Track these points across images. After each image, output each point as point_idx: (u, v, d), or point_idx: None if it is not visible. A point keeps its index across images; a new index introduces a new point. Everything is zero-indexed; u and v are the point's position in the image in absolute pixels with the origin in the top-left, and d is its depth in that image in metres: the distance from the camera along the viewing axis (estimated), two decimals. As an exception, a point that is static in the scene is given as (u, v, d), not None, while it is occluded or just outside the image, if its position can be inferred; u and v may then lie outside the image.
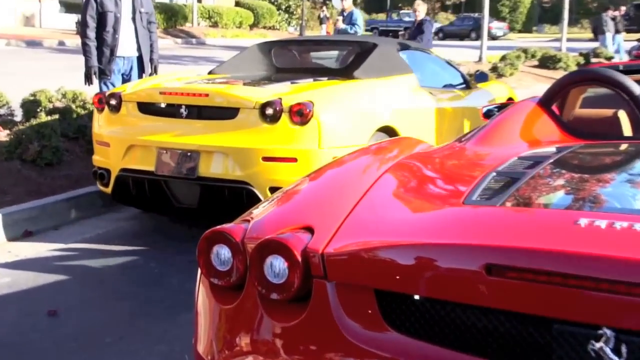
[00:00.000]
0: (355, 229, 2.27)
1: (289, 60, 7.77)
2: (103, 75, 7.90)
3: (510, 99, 8.51)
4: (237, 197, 5.56)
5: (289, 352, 2.19)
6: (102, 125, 6.25)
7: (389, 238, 2.17)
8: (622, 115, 3.90)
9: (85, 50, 7.81)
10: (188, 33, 31.96)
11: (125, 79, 8.01)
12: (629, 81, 3.67)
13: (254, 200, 5.26)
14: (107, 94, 6.27)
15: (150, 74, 8.14)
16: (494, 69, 18.11)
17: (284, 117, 5.49)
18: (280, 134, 5.50)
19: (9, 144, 7.23)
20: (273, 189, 5.35)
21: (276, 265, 2.19)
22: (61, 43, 25.66)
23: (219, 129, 5.62)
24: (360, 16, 13.44)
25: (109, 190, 6.17)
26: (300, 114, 5.49)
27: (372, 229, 2.27)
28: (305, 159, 5.48)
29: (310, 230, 2.28)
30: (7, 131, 7.68)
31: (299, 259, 2.15)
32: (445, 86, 7.71)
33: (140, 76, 8.03)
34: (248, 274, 2.28)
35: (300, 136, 5.51)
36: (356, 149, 3.41)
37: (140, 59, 8.08)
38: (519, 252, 1.91)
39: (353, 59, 7.05)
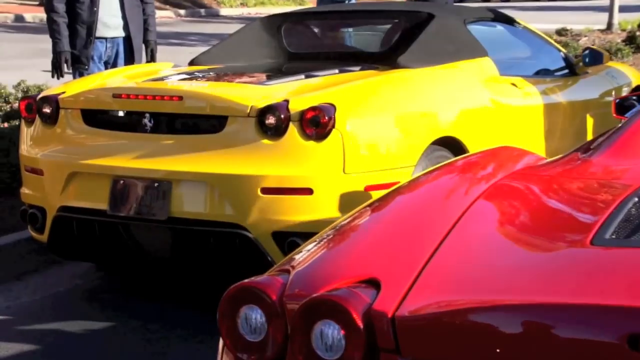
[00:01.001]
0: (439, 283, 2.28)
1: (306, 41, 7.49)
2: (78, 63, 7.84)
3: (638, 87, 8.01)
4: (226, 247, 5.33)
5: None
6: (32, 143, 6.02)
7: (488, 296, 2.18)
8: None
9: (52, 29, 7.76)
10: (195, 1, 31.89)
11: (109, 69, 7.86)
12: None
13: (252, 252, 5.08)
14: (38, 98, 6.01)
15: (148, 62, 8.04)
16: (631, 39, 17.46)
17: (293, 128, 5.21)
18: (287, 154, 5.23)
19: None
20: (280, 235, 5.14)
21: (328, 333, 2.21)
22: (19, 18, 25.72)
23: (198, 147, 5.38)
24: None
25: (44, 237, 5.91)
26: (316, 123, 5.20)
27: (462, 283, 2.29)
28: (325, 190, 5.20)
29: (375, 284, 2.31)
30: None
31: (360, 325, 2.17)
32: (538, 73, 7.28)
33: (129, 64, 7.89)
34: (289, 346, 2.30)
35: (317, 156, 5.24)
36: (438, 167, 3.38)
37: (128, 40, 8.00)
38: None
39: (398, 39, 6.75)
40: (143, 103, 5.52)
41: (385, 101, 5.69)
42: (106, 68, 7.88)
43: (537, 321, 2.04)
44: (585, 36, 18.42)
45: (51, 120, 5.80)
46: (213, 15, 30.83)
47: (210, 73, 6.40)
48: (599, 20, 21.19)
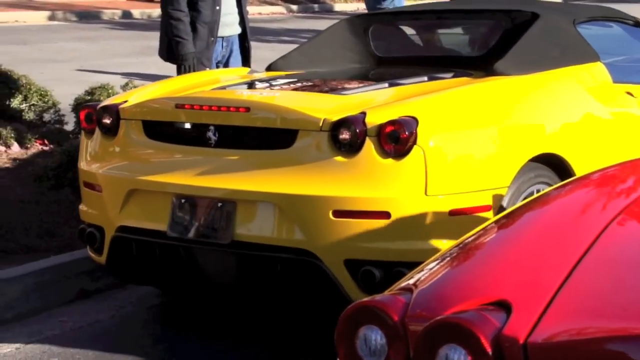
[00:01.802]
0: (577, 307, 2.21)
1: (396, 44, 6.95)
2: (200, 65, 7.52)
3: None
4: (294, 275, 4.94)
5: None
6: (91, 157, 5.68)
7: (632, 323, 2.07)
8: None
9: (176, 28, 7.48)
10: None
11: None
12: None
13: (322, 281, 4.76)
14: (98, 107, 5.66)
15: (244, 62, 7.79)
16: None
17: (370, 145, 4.78)
18: (362, 173, 4.82)
19: (57, 165, 7.01)
20: (353, 264, 4.76)
21: (454, 358, 2.16)
22: (127, 14, 25.88)
23: (265, 164, 4.99)
24: None
25: (102, 259, 5.56)
26: (396, 139, 4.75)
27: (603, 308, 2.20)
28: (404, 214, 4.76)
29: (505, 307, 2.25)
30: (55, 146, 7.54)
31: (489, 350, 2.11)
32: None
33: (246, 64, 7.70)
34: None
35: (396, 176, 4.80)
36: (572, 180, 3.30)
37: (243, 38, 7.87)
38: None
39: (498, 41, 6.18)
40: (207, 114, 5.16)
41: (475, 113, 5.18)
42: (217, 68, 7.66)
43: None
44: None
45: (111, 132, 5.45)
46: (327, 11, 30.67)
47: (286, 80, 5.97)
48: None
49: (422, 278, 2.53)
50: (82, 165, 5.69)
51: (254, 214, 4.95)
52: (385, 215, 4.69)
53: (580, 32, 6.17)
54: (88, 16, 25.03)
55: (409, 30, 7.11)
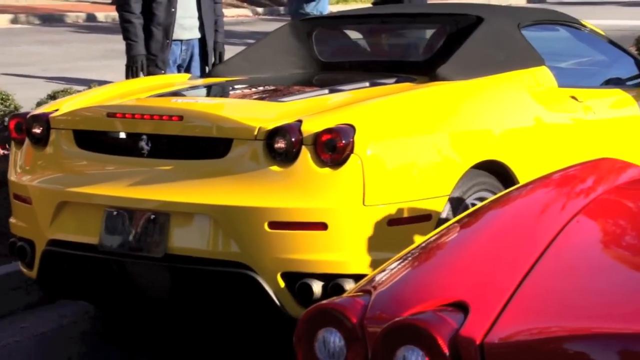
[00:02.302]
0: (533, 308, 2.21)
1: (341, 49, 6.75)
2: (154, 67, 7.49)
3: None
4: (229, 289, 4.77)
5: None
6: (21, 168, 5.50)
7: (587, 323, 2.11)
8: None
9: (126, 30, 7.58)
10: (273, -2, 31.68)
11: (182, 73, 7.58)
12: None
13: (258, 295, 4.59)
14: (28, 116, 5.47)
15: (214, 65, 7.67)
16: None
17: (306, 153, 4.63)
18: (298, 183, 4.66)
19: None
20: (290, 277, 4.61)
21: (412, 359, 2.15)
22: (91, 17, 25.67)
23: (199, 174, 4.82)
24: None
25: (33, 273, 5.37)
26: (332, 148, 4.61)
27: (559, 308, 2.21)
28: (342, 225, 4.61)
29: (462, 308, 2.25)
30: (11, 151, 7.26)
31: (446, 351, 2.11)
32: (606, 83, 6.50)
33: (203, 69, 7.69)
34: None
35: (332, 186, 4.65)
36: (532, 181, 3.27)
37: (203, 42, 7.75)
38: None
39: (441, 46, 6.03)
40: (139, 123, 4.98)
41: (416, 120, 5.03)
42: (179, 72, 7.54)
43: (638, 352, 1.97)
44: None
45: (41, 142, 5.26)
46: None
47: (224, 87, 5.83)
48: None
49: (381, 280, 2.51)
50: (12, 176, 5.50)
51: (188, 226, 4.78)
52: (322, 226, 4.55)
53: (525, 36, 6.03)
54: (51, 19, 24.84)
55: (355, 35, 6.93)
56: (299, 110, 4.89)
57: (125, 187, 4.88)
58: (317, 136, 4.58)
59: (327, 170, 4.60)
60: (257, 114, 4.87)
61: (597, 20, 26.02)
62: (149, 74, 7.37)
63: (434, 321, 2.19)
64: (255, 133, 4.66)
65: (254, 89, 5.75)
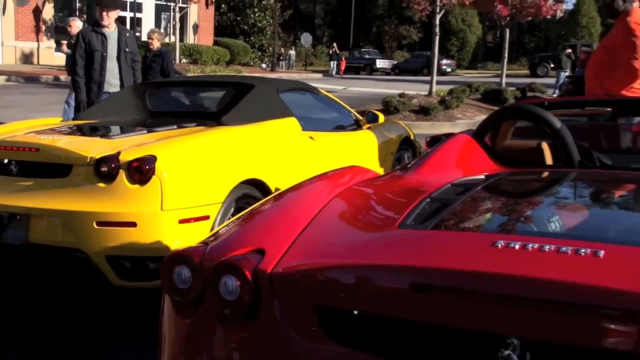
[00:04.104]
0: (302, 251, 2.20)
1: (164, 103, 6.11)
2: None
3: (407, 137, 7.01)
4: (73, 267, 4.17)
5: None
6: None
7: (330, 259, 2.13)
8: (545, 146, 3.72)
9: (75, 86, 7.34)
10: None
11: None
12: (550, 116, 3.65)
13: (92, 271, 4.01)
14: None
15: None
16: (442, 101, 17.09)
17: (122, 175, 4.06)
18: (117, 195, 4.07)
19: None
20: (112, 258, 4.03)
21: (230, 284, 2.11)
22: (56, 78, 24.52)
23: (51, 188, 4.18)
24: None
25: None
26: (140, 171, 4.04)
27: (316, 251, 2.21)
28: (146, 223, 4.03)
29: (261, 252, 2.20)
30: None
31: (250, 278, 2.10)
32: (335, 128, 6.13)
33: None
34: (205, 291, 2.19)
35: (140, 197, 4.07)
36: (314, 177, 3.15)
37: None
38: (440, 272, 1.92)
39: (227, 102, 5.49)
40: (9, 153, 4.35)
41: (203, 152, 4.50)
42: None
43: (359, 275, 2.02)
44: (416, 98, 17.47)
45: None
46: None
47: (76, 127, 5.17)
48: (424, 89, 20.60)
49: (215, 236, 2.40)
50: None
51: (43, 224, 4.12)
52: (133, 224, 4.01)
53: (282, 98, 5.62)
54: (32, 79, 23.69)
55: (176, 93, 6.38)
56: (120, 144, 4.31)
57: (1, 197, 4.26)
58: (129, 163, 4.06)
59: (136, 186, 4.06)
60: (91, 147, 4.27)
61: (360, 88, 26.34)
62: None
63: (243, 260, 2.13)
64: (88, 160, 4.10)
65: (97, 129, 5.15)
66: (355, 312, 2.01)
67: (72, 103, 9.71)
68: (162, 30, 36.91)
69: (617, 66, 5.60)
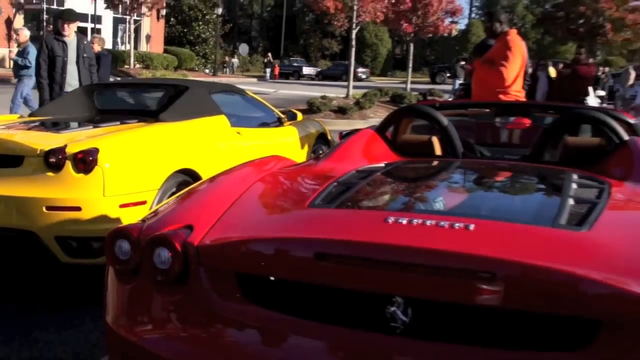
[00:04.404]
0: (226, 227, 2.18)
1: (110, 102, 5.85)
2: None
3: (322, 133, 6.92)
4: (25, 246, 3.92)
5: (172, 321, 2.11)
6: None
7: (248, 233, 2.11)
8: (435, 140, 3.69)
9: (39, 86, 7.15)
10: (126, 73, 29.59)
11: None
12: (438, 115, 3.67)
13: (42, 250, 3.79)
14: None
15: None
16: (357, 103, 17.09)
17: (69, 165, 3.86)
18: (64, 183, 3.85)
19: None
20: (60, 239, 3.81)
21: (163, 255, 2.10)
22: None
23: (7, 177, 3.93)
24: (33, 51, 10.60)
25: None
26: (84, 162, 3.84)
27: (238, 226, 2.19)
28: (90, 208, 3.83)
29: (191, 227, 2.17)
30: None
31: (180, 250, 2.07)
32: (259, 125, 5.96)
33: None
34: (142, 261, 2.15)
35: (84, 184, 3.86)
36: (241, 164, 3.08)
37: None
38: (338, 243, 1.94)
39: (165, 102, 5.27)
40: None
41: (141, 145, 4.30)
42: None
43: (272, 246, 2.01)
44: (335, 100, 17.47)
45: None
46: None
47: (34, 123, 4.86)
48: (343, 92, 20.55)
49: (153, 214, 2.36)
50: None
51: (1, 208, 3.88)
52: (78, 209, 3.80)
53: (213, 98, 5.41)
54: (3, 81, 22.45)
55: (122, 93, 6.11)
56: (68, 138, 4.08)
57: None
58: (75, 155, 3.86)
59: (81, 175, 3.85)
60: (41, 141, 4.03)
61: (289, 91, 26.15)
62: None
63: (174, 235, 2.09)
64: (38, 152, 3.88)
65: (48, 125, 4.85)
66: (270, 278, 2.02)
67: (19, 100, 10.07)
68: (117, 40, 36.24)
69: (494, 74, 5.71)
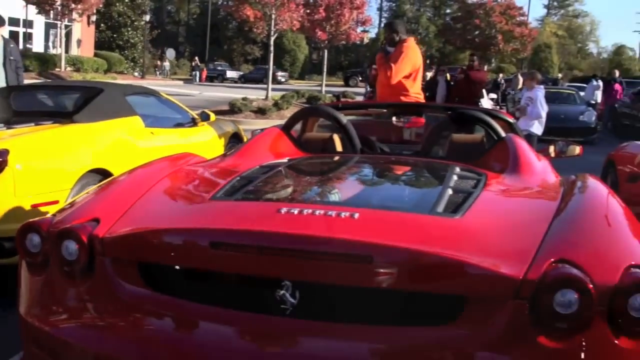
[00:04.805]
0: (130, 220, 2.12)
1: (26, 104, 5.38)
2: None
3: (236, 132, 6.77)
4: None
5: (81, 308, 2.06)
6: None
7: (149, 225, 2.06)
8: (336, 137, 3.68)
9: None
10: (57, 76, 28.08)
11: None
12: (338, 114, 3.63)
13: None
14: None
15: None
16: (276, 104, 16.89)
17: None
18: None
19: None
20: None
21: (70, 247, 2.05)
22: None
23: None
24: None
25: None
26: None
27: (141, 219, 2.13)
28: (1, 208, 3.57)
29: (97, 220, 2.12)
30: None
31: (86, 242, 2.03)
32: (174, 125, 5.74)
33: None
34: (52, 254, 2.09)
35: None
36: (155, 160, 2.95)
37: None
38: (231, 232, 1.93)
39: (80, 103, 4.96)
40: None
41: (54, 145, 4.05)
42: None
43: (172, 237, 1.97)
44: (255, 102, 17.25)
45: None
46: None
47: None
48: (263, 94, 20.15)
49: (64, 208, 2.28)
50: None
51: None
52: None
53: (128, 100, 5.15)
54: None
55: (41, 95, 5.63)
56: None
57: None
58: None
59: None
60: None
61: (213, 93, 25.73)
62: None
63: (80, 228, 2.04)
64: None
65: None
66: (172, 267, 2.01)
67: None
68: (49, 44, 34.65)
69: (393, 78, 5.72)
